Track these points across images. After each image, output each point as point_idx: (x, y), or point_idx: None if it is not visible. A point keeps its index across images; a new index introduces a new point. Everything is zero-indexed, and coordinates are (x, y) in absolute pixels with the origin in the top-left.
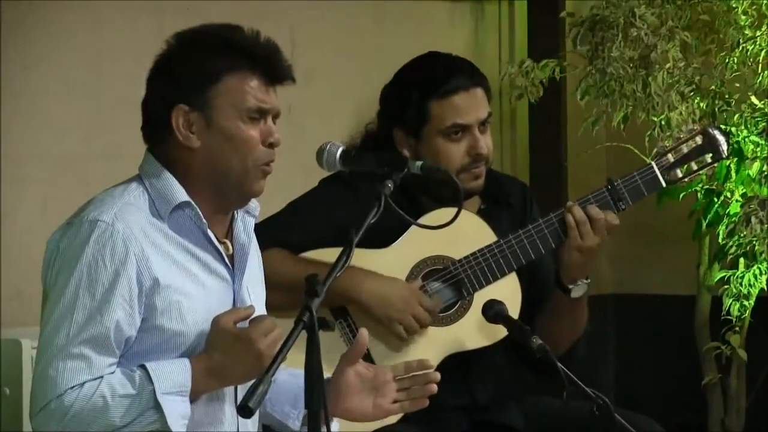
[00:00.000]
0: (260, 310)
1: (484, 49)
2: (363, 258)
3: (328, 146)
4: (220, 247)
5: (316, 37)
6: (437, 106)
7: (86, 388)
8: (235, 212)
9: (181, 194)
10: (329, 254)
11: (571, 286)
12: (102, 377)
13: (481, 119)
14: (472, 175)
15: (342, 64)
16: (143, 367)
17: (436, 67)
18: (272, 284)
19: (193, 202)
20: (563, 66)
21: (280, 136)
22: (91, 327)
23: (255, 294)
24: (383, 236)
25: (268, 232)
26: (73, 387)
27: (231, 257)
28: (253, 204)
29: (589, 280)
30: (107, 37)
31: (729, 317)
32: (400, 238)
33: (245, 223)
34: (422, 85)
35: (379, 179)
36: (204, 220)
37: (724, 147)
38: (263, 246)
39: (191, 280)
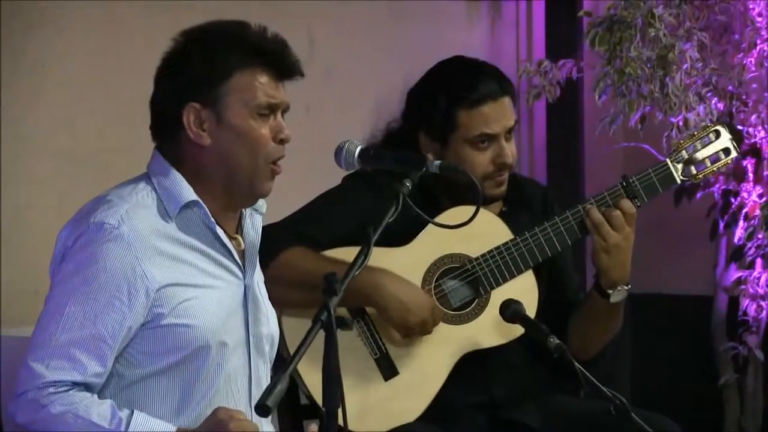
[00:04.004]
0: (268, 306)
1: (501, 47)
2: (381, 256)
3: (347, 145)
4: (231, 244)
5: (333, 36)
6: (465, 116)
7: (66, 397)
8: (244, 210)
9: (189, 193)
10: (350, 252)
11: (610, 291)
12: (90, 394)
13: (508, 128)
14: (495, 182)
15: (359, 63)
16: (133, 412)
17: (465, 75)
18: (295, 281)
19: (201, 201)
20: (581, 66)
21: (299, 133)
22: (84, 328)
23: (263, 290)
24: (401, 235)
25: (292, 228)
26: (56, 384)
27: (241, 253)
28: (260, 201)
29: (629, 286)
30: (123, 34)
31: (746, 317)
32: (418, 237)
33: (253, 221)
34: (451, 94)
35: (398, 178)
36: (212, 219)
37: (737, 144)
38: (288, 242)
39: (201, 278)
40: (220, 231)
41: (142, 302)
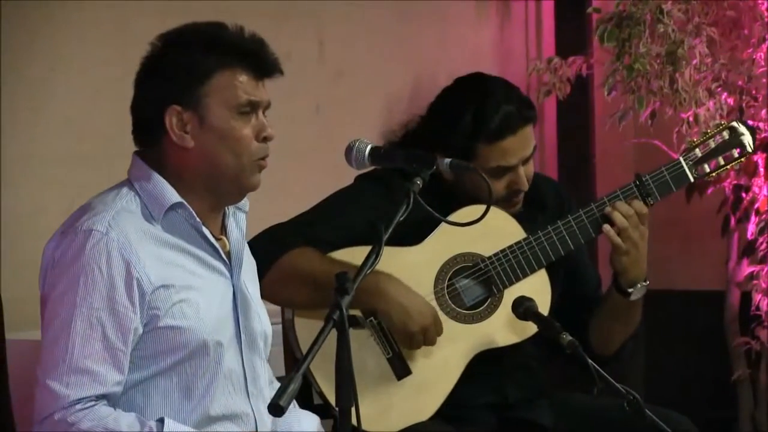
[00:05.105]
0: (258, 304)
1: (511, 46)
2: (394, 256)
3: (357, 144)
4: (217, 244)
5: (343, 37)
6: (484, 149)
7: (94, 412)
8: (227, 209)
9: (173, 195)
10: (360, 252)
11: (630, 290)
12: (114, 409)
13: (526, 157)
14: (509, 204)
15: (369, 63)
16: (161, 421)
17: (485, 104)
18: (299, 281)
19: (185, 202)
20: (590, 62)
21: (309, 133)
22: (94, 340)
23: (251, 288)
24: (414, 234)
25: (300, 229)
26: (81, 401)
27: (227, 254)
28: (244, 200)
29: (647, 282)
30: (133, 38)
31: (758, 312)
32: (430, 236)
33: (237, 219)
34: (470, 126)
35: (409, 176)
36: (198, 219)
37: (751, 141)
38: (294, 243)
39: (191, 280)
40: (206, 231)
41: (141, 304)
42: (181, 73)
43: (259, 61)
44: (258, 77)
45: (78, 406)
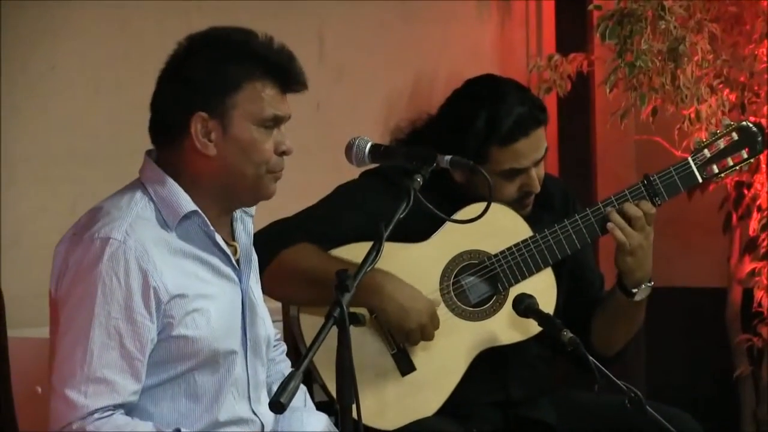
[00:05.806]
0: (262, 307)
1: (511, 42)
2: (400, 252)
3: (357, 141)
4: (229, 251)
5: (344, 34)
6: (497, 152)
7: (111, 421)
8: (234, 213)
9: (188, 203)
10: (363, 248)
11: (635, 290)
12: (131, 418)
13: (538, 160)
14: (521, 205)
15: (370, 61)
16: (178, 431)
17: (497, 108)
18: (297, 277)
19: (200, 210)
20: (591, 59)
21: (309, 131)
22: (112, 350)
23: (257, 291)
24: (421, 231)
25: (304, 225)
26: (98, 411)
27: (237, 259)
28: None
29: (652, 283)
30: (135, 36)
31: (760, 309)
32: (437, 232)
33: (244, 223)
34: (483, 129)
35: (409, 174)
36: (212, 227)
37: (761, 142)
38: (296, 238)
39: (204, 288)
40: (219, 238)
41: (157, 313)
42: (211, 81)
43: (288, 75)
44: (284, 91)
45: (96, 416)
